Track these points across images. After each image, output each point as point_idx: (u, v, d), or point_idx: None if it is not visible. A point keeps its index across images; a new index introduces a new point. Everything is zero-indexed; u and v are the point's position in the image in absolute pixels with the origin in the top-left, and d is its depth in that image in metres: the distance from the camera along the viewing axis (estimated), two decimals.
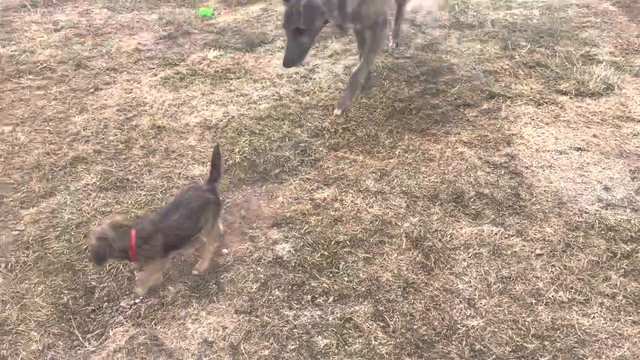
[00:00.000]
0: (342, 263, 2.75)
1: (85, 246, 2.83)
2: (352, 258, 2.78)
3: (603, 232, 2.87)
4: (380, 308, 2.51)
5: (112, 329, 2.45)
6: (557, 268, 2.67)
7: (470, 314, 2.47)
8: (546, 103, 4.03)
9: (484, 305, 2.50)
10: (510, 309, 2.47)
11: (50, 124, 3.90)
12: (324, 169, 3.44)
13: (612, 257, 2.71)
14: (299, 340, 2.37)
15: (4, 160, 3.52)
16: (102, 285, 2.65)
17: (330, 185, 3.30)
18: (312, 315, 2.48)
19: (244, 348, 2.34)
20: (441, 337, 2.37)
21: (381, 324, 2.43)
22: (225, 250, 2.86)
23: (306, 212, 3.10)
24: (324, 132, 3.78)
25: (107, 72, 4.60)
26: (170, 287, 2.64)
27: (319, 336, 2.39)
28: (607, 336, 2.34)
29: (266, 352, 2.33)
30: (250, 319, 2.47)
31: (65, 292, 2.63)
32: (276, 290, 2.62)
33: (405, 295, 2.57)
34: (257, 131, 3.81)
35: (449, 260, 2.75)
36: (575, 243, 2.81)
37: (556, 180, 3.26)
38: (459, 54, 4.80)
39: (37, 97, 4.22)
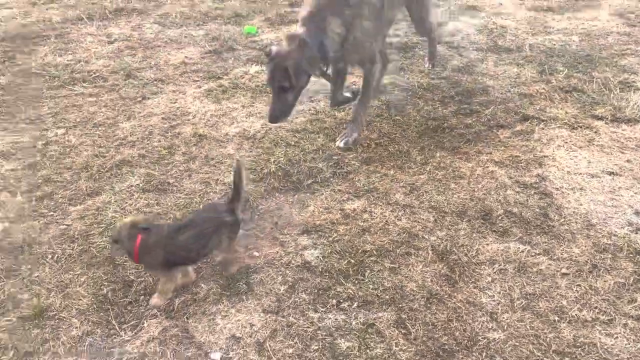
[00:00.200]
0: (368, 271, 2.83)
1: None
2: (377, 267, 2.86)
3: (631, 255, 2.86)
4: (403, 316, 2.57)
5: (146, 321, 2.59)
6: (583, 288, 2.68)
7: (492, 327, 2.50)
8: (580, 127, 4.04)
9: (507, 319, 2.53)
10: (533, 325, 2.50)
11: (100, 128, 4.15)
12: (355, 181, 3.54)
13: (639, 280, 2.71)
14: (322, 342, 2.46)
15: (56, 160, 3.76)
16: (139, 280, 2.81)
17: (361, 197, 3.39)
18: (336, 319, 2.57)
19: (270, 345, 2.44)
20: (462, 348, 2.42)
21: (403, 331, 2.50)
22: (256, 253, 2.98)
23: (335, 221, 3.20)
24: (357, 146, 3.89)
25: (155, 82, 4.85)
26: (202, 285, 2.77)
27: (342, 339, 2.47)
28: (629, 356, 2.34)
29: (290, 351, 2.42)
30: (277, 319, 2.57)
31: (105, 284, 2.79)
32: (303, 293, 2.72)
33: (429, 305, 2.63)
34: (293, 143, 3.95)
35: (473, 275, 2.80)
36: (602, 264, 2.82)
37: (586, 202, 3.27)
38: (495, 77, 4.86)
39: (89, 104, 4.49)
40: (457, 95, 4.55)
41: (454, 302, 2.64)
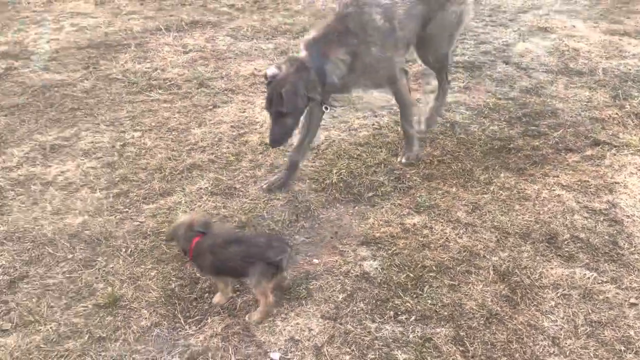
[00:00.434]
0: (427, 286, 2.83)
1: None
2: (437, 283, 2.86)
3: None
4: (462, 333, 2.56)
5: (210, 317, 2.71)
6: None
7: (554, 351, 2.45)
8: None
9: (569, 345, 2.47)
10: (597, 353, 2.43)
11: (173, 133, 4.38)
12: (416, 196, 3.56)
13: None
14: (379, 352, 2.49)
15: (132, 161, 4.00)
16: (205, 278, 2.93)
17: (421, 213, 3.41)
18: (393, 330, 2.59)
19: (327, 350, 2.50)
20: None
21: (461, 348, 2.49)
22: (316, 260, 3.05)
23: (395, 235, 3.22)
24: (419, 162, 3.91)
25: (225, 92, 5.06)
26: None
27: (399, 350, 2.49)
28: None
29: (347, 358, 2.46)
30: (335, 325, 2.62)
31: (174, 279, 2.94)
32: (361, 302, 2.76)
33: (488, 324, 2.61)
34: (355, 156, 4.02)
35: (535, 298, 2.75)
36: None
37: None
38: (565, 99, 4.75)
39: (163, 109, 4.74)
40: (524, 117, 4.48)
41: (515, 324, 2.60)
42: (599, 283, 2.81)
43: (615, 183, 3.60)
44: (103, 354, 2.52)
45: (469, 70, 5.35)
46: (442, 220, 3.33)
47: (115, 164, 3.96)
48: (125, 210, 3.49)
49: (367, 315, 2.68)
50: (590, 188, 3.55)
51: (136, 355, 2.52)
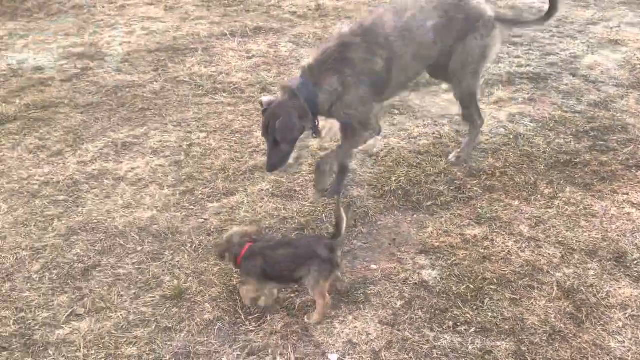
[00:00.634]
0: (487, 299, 2.80)
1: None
2: (497, 296, 2.82)
3: None
4: (523, 348, 2.52)
5: (270, 315, 2.78)
6: None
7: None
8: None
9: None
10: None
11: (236, 135, 4.51)
12: (476, 207, 3.52)
13: None
14: None
15: (198, 161, 4.15)
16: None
17: (482, 225, 3.36)
18: (452, 341, 2.58)
19: (384, 356, 2.51)
20: None
21: None
22: (374, 266, 3.08)
23: (455, 245, 3.20)
24: (481, 173, 3.86)
25: None
26: None
27: None
28: None
29: None
30: (393, 332, 2.64)
31: (235, 276, 3.03)
32: (419, 310, 2.75)
33: (551, 341, 2.55)
34: (415, 164, 4.02)
35: (602, 317, 2.66)
36: None
37: None
38: (636, 115, 4.57)
39: (227, 112, 4.89)
40: (592, 131, 4.35)
41: (579, 342, 2.53)
42: None
43: None
44: (169, 343, 2.64)
45: (534, 82, 5.23)
46: (504, 233, 3.28)
47: (182, 162, 4.13)
48: (190, 207, 3.63)
49: (425, 324, 2.67)
50: None
51: (200, 347, 2.62)
